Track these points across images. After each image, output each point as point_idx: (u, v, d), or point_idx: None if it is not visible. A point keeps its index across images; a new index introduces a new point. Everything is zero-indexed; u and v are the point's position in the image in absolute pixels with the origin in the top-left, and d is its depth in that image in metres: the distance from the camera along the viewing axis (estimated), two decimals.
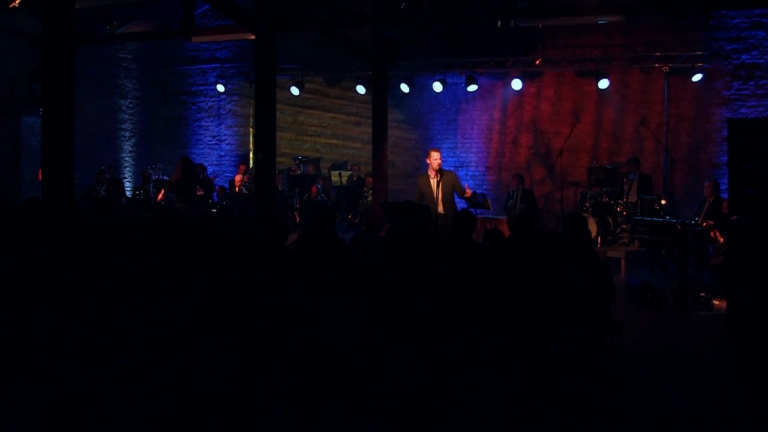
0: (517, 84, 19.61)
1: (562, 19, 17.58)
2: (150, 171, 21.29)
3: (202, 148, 24.00)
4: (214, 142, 23.99)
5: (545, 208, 19.11)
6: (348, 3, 16.31)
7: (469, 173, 20.96)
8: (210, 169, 22.66)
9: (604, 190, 17.08)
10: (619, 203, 16.79)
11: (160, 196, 17.59)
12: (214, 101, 23.91)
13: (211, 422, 5.61)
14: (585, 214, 16.14)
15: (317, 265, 6.64)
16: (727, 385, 8.46)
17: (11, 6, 17.04)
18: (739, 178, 10.58)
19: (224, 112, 23.87)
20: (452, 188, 13.49)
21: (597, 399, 6.77)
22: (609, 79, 18.65)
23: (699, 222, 14.08)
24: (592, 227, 15.98)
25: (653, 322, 11.49)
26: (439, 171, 13.22)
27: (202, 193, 18.09)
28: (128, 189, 22.04)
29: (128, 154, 23.62)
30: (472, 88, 19.92)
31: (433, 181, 13.21)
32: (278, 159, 15.33)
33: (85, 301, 6.43)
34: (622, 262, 15.52)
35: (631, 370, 8.86)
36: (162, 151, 24.20)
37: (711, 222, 13.94)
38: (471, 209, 14.91)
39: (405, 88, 20.46)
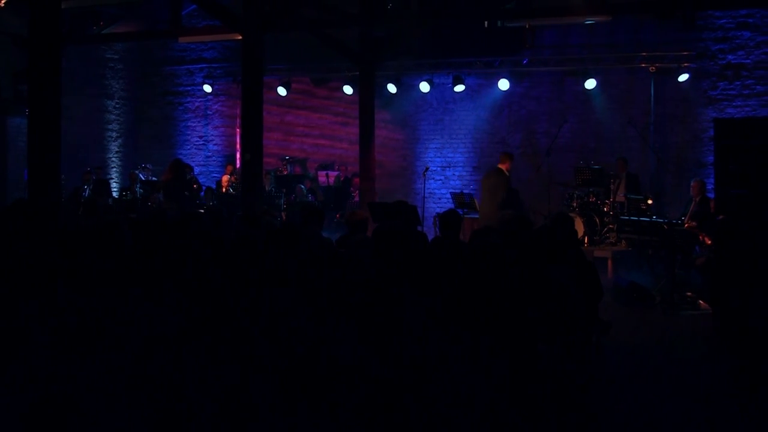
0: (504, 84, 19.59)
1: (549, 19, 17.61)
2: (137, 172, 21.25)
3: (189, 149, 23.96)
4: (201, 142, 23.95)
5: (532, 208, 19.12)
6: (335, 3, 16.31)
7: (456, 173, 20.98)
8: (197, 170, 22.61)
9: (591, 189, 17.11)
10: (606, 203, 16.82)
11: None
12: (201, 101, 23.88)
13: (198, 424, 5.60)
14: (572, 214, 16.16)
15: (303, 265, 6.63)
16: (714, 384, 8.48)
17: None
18: (725, 177, 10.61)
19: (211, 113, 23.84)
20: None
21: (584, 399, 6.78)
22: (596, 79, 18.68)
23: (686, 221, 14.12)
24: (579, 227, 16.00)
25: (640, 321, 11.52)
26: None
27: (187, 193, 18.07)
28: (115, 190, 21.99)
29: (115, 155, 23.57)
30: (460, 88, 19.92)
31: None
32: (265, 159, 15.28)
33: (71, 302, 6.41)
34: (609, 261, 15.56)
35: (619, 369, 8.88)
36: (149, 151, 24.13)
37: (694, 224, 13.97)
38: (458, 209, 14.94)
39: (392, 88, 20.45)
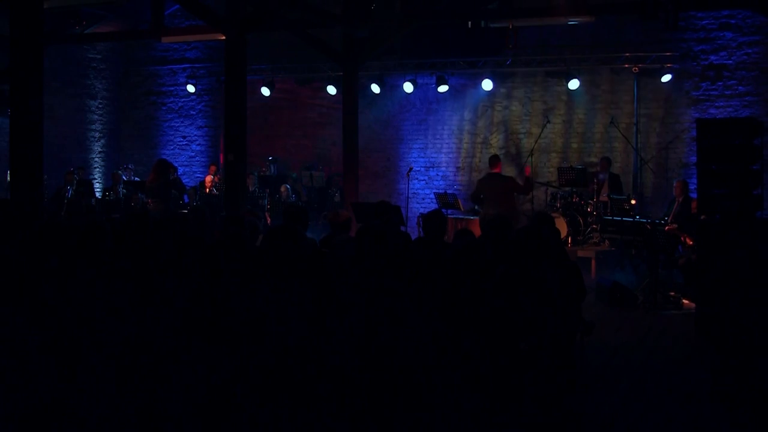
0: (487, 84, 19.61)
1: (532, 19, 17.63)
2: (120, 172, 21.18)
3: (172, 149, 23.89)
4: (184, 142, 23.89)
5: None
6: (318, 3, 16.29)
7: (440, 173, 20.99)
8: (180, 170, 22.55)
9: (574, 190, 17.16)
10: (590, 203, 16.86)
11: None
12: (184, 102, 23.81)
13: (185, 424, 5.58)
14: (555, 214, 16.20)
15: (288, 265, 6.63)
16: (696, 383, 8.51)
17: None
18: (707, 177, 10.66)
19: (194, 113, 23.78)
20: None
21: (567, 399, 6.79)
22: (579, 80, 18.71)
23: (669, 221, 14.17)
24: (563, 227, 16.03)
25: (623, 321, 11.56)
26: None
27: (175, 192, 18.06)
28: (98, 190, 21.89)
29: (98, 155, 23.49)
30: (443, 88, 19.94)
31: None
32: (249, 159, 15.26)
33: (54, 302, 6.38)
34: (593, 261, 15.60)
35: (602, 369, 8.90)
36: (132, 151, 24.07)
37: (675, 225, 14.02)
38: (442, 209, 14.95)
39: (375, 88, 20.44)
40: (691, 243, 13.17)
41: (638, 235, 13.26)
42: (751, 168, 10.47)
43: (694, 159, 15.40)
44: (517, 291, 6.53)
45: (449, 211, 16.43)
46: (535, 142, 19.01)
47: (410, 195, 19.85)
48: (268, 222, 18.40)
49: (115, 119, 24.23)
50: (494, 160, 15.04)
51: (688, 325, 10.91)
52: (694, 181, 11.82)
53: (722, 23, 18.27)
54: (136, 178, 21.02)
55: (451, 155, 20.95)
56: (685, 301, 12.48)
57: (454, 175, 20.82)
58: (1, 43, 18.13)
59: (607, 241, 15.77)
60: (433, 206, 17.75)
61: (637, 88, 18.92)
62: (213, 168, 21.21)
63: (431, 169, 21.12)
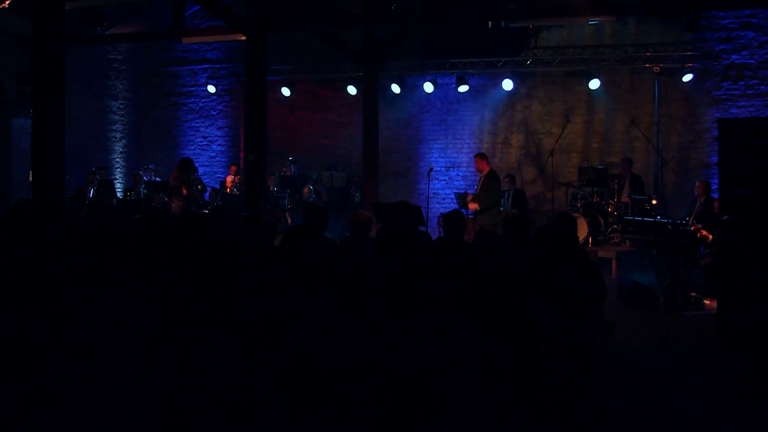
0: (507, 84, 19.57)
1: (553, 19, 17.59)
2: (141, 173, 21.22)
3: (192, 149, 23.92)
4: (204, 143, 23.93)
5: (536, 209, 19.13)
6: (339, 4, 16.32)
7: (460, 173, 20.97)
8: (201, 170, 22.59)
9: (595, 190, 17.12)
10: (610, 203, 16.82)
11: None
12: (204, 102, 23.85)
13: (202, 422, 5.60)
14: (576, 214, 16.16)
15: (307, 265, 6.64)
16: (717, 384, 8.48)
17: (1, 7, 16.97)
18: (729, 178, 10.60)
19: (215, 113, 23.81)
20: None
21: (588, 399, 6.77)
22: (600, 80, 18.64)
23: (690, 222, 14.11)
24: (583, 227, 16.00)
25: (644, 322, 11.52)
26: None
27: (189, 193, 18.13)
28: (119, 190, 21.96)
29: (119, 156, 23.55)
30: (463, 88, 19.91)
31: None
32: (269, 160, 15.28)
33: (76, 301, 6.41)
34: (613, 262, 15.56)
35: (622, 369, 8.87)
36: (152, 152, 24.09)
37: (699, 225, 13.95)
38: (462, 209, 14.96)
39: (396, 88, 20.43)
40: (711, 239, 13.13)
41: (659, 235, 13.21)
42: None
43: (715, 159, 15.34)
44: (538, 291, 6.52)
45: (469, 212, 16.41)
46: (556, 142, 18.96)
47: (431, 195, 19.82)
48: (289, 222, 18.42)
49: (136, 120, 24.30)
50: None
51: (709, 326, 10.86)
52: (716, 181, 11.77)
53: (744, 22, 18.18)
54: (157, 179, 21.07)
55: (471, 155, 20.84)
56: (706, 302, 12.44)
57: (475, 176, 20.72)
58: (23, 44, 18.34)
59: (627, 242, 15.72)
60: (454, 206, 17.72)
61: (658, 87, 18.86)
62: (233, 168, 21.23)
63: (451, 169, 21.10)
